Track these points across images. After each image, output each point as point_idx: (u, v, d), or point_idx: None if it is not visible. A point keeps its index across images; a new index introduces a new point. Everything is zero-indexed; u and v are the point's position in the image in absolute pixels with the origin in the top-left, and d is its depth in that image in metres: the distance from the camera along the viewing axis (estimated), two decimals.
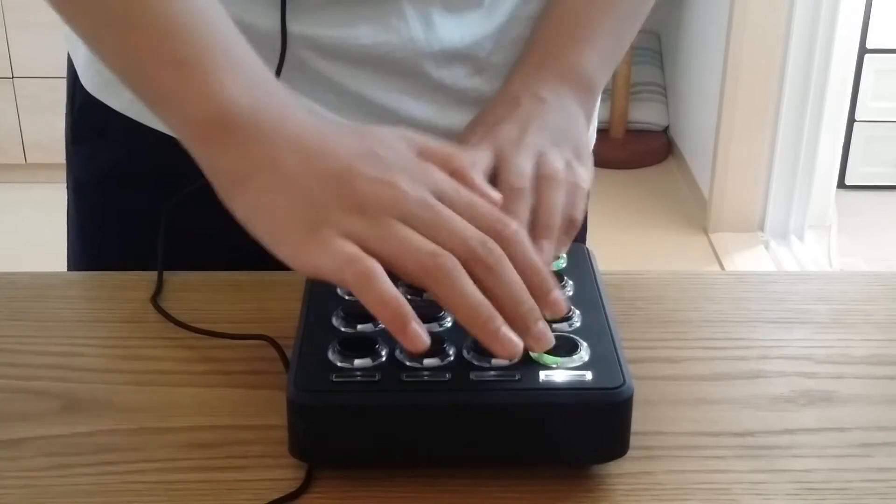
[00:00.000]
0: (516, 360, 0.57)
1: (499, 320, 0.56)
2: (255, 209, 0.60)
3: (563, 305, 0.59)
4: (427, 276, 0.56)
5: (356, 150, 0.60)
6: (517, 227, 0.59)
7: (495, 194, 0.62)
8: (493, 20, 0.79)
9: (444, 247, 0.56)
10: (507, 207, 0.63)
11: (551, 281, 0.59)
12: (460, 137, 0.73)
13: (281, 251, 0.59)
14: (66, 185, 0.90)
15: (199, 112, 0.61)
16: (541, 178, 0.67)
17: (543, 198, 0.66)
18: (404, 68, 0.77)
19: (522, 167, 0.68)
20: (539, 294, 0.58)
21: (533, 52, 0.79)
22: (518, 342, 0.56)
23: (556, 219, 0.66)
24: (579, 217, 0.68)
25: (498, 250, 0.57)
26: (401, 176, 0.58)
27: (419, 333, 0.55)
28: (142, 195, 0.82)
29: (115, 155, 0.84)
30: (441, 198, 0.59)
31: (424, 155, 0.62)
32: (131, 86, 0.65)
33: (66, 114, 0.88)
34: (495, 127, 0.72)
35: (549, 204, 0.66)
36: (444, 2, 0.77)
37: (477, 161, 0.66)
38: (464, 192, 0.60)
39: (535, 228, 0.65)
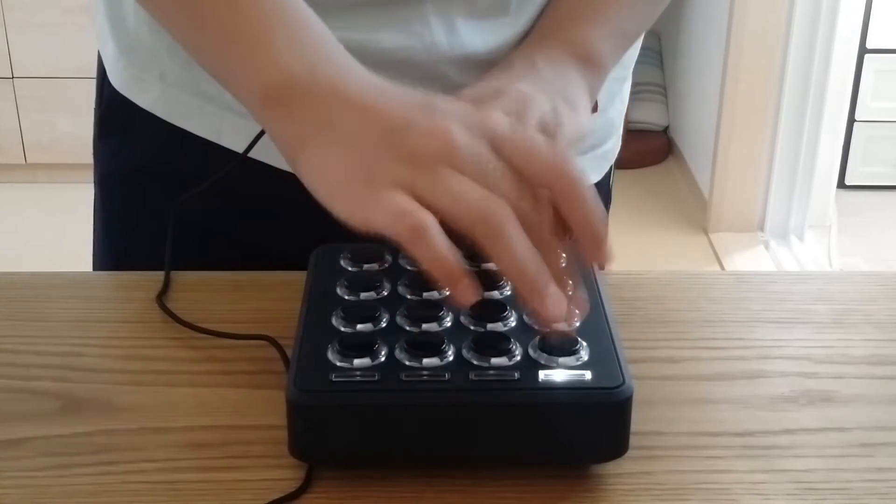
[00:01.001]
0: (566, 325, 0.56)
1: (547, 277, 0.54)
2: (314, 170, 0.60)
3: (612, 258, 0.57)
4: (477, 226, 0.54)
5: (411, 103, 0.59)
6: (579, 173, 0.56)
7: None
8: (517, 27, 0.78)
9: (478, 193, 0.54)
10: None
11: (605, 232, 0.56)
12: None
13: (336, 208, 0.58)
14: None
15: (259, 82, 0.62)
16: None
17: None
18: (425, 73, 0.77)
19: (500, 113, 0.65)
20: (591, 245, 0.56)
21: (538, 28, 0.78)
22: (565, 303, 0.54)
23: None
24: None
25: (541, 213, 0.55)
26: (455, 125, 0.57)
27: (471, 287, 0.54)
28: (165, 191, 0.83)
29: (139, 150, 0.85)
30: (500, 145, 0.57)
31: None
32: (198, 60, 0.68)
33: (95, 109, 0.89)
34: (482, 84, 0.70)
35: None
36: (469, 8, 0.76)
37: None
38: (522, 138, 0.58)
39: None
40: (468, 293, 0.54)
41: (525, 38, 0.78)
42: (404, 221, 0.54)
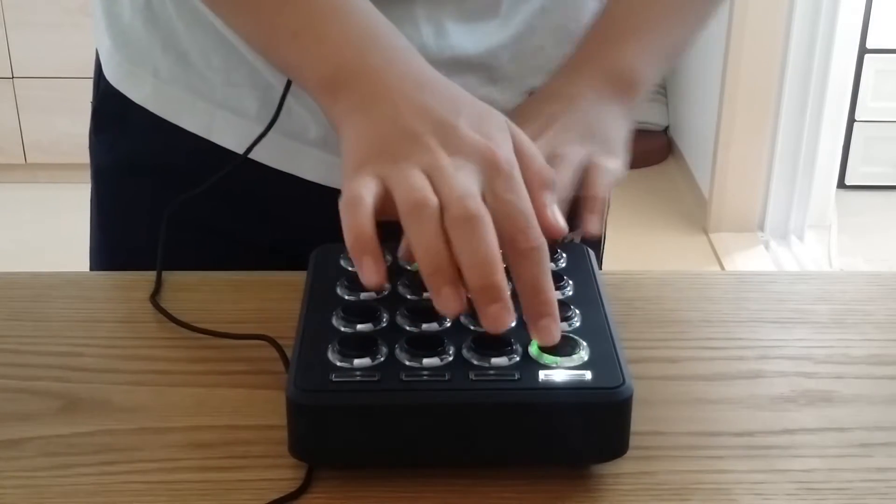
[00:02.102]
0: (448, 322, 0.58)
1: (447, 276, 0.55)
2: (342, 148, 0.62)
3: (552, 337, 0.57)
4: (405, 212, 0.56)
5: (432, 116, 0.60)
6: (541, 244, 0.57)
7: (560, 224, 0.60)
8: (508, 29, 0.79)
9: (421, 193, 0.56)
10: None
11: (549, 305, 0.57)
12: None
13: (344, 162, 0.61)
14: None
15: (319, 74, 0.65)
16: (548, 158, 0.67)
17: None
18: None
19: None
20: (531, 316, 0.57)
21: (581, 49, 0.78)
22: (457, 303, 0.55)
23: (549, 173, 0.63)
24: (602, 194, 0.68)
25: (482, 217, 0.55)
26: (452, 154, 0.58)
27: (371, 268, 0.55)
28: (159, 185, 0.83)
29: (133, 145, 0.86)
30: (490, 184, 0.58)
31: (517, 149, 0.61)
32: (264, 58, 0.71)
33: (91, 103, 0.90)
34: (523, 123, 0.70)
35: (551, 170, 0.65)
36: (458, 10, 0.77)
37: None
38: (511, 186, 0.58)
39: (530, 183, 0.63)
40: (368, 273, 0.55)
41: (540, 48, 0.79)
42: (347, 191, 0.57)
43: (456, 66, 0.77)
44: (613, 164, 0.71)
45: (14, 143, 3.13)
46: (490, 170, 0.58)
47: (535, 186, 0.60)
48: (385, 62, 0.64)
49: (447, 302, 0.55)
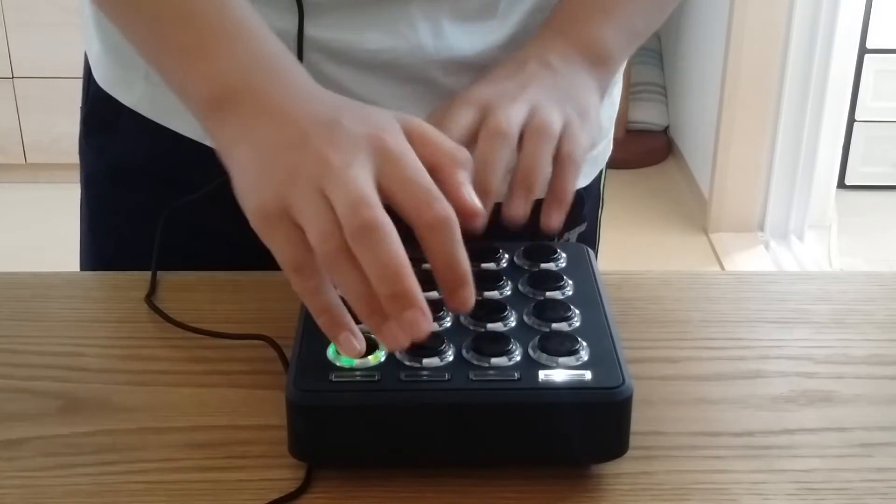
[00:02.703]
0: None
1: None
2: (234, 172, 0.61)
3: (468, 305, 0.56)
4: (321, 257, 0.56)
5: (316, 118, 0.60)
6: (448, 214, 0.56)
7: (476, 203, 0.59)
8: (504, 30, 0.78)
9: (321, 228, 0.55)
10: (482, 153, 0.62)
11: (464, 276, 0.56)
12: (457, 93, 0.71)
13: (246, 212, 0.59)
14: (78, 180, 0.91)
15: (200, 93, 0.64)
16: (528, 129, 0.65)
17: (526, 148, 0.65)
18: (411, 75, 0.77)
19: (510, 114, 0.66)
20: (447, 287, 0.56)
21: (550, 21, 0.77)
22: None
23: (536, 174, 0.64)
24: (569, 187, 0.66)
25: (372, 233, 0.54)
26: (341, 149, 0.57)
27: (351, 341, 0.57)
28: (150, 191, 0.83)
29: (125, 149, 0.85)
30: (385, 170, 0.57)
31: (415, 136, 0.60)
32: (157, 73, 0.69)
33: (81, 108, 0.89)
34: (497, 80, 0.70)
35: (531, 156, 0.64)
36: (455, 10, 0.76)
37: (458, 120, 0.65)
38: (405, 166, 0.57)
39: (512, 182, 0.63)
40: (350, 348, 0.57)
41: (530, 35, 0.78)
42: (292, 278, 0.57)
43: (452, 66, 0.77)
44: (585, 140, 0.69)
45: (14, 143, 3.12)
46: (380, 156, 0.57)
47: (446, 166, 0.59)
48: (268, 80, 0.63)
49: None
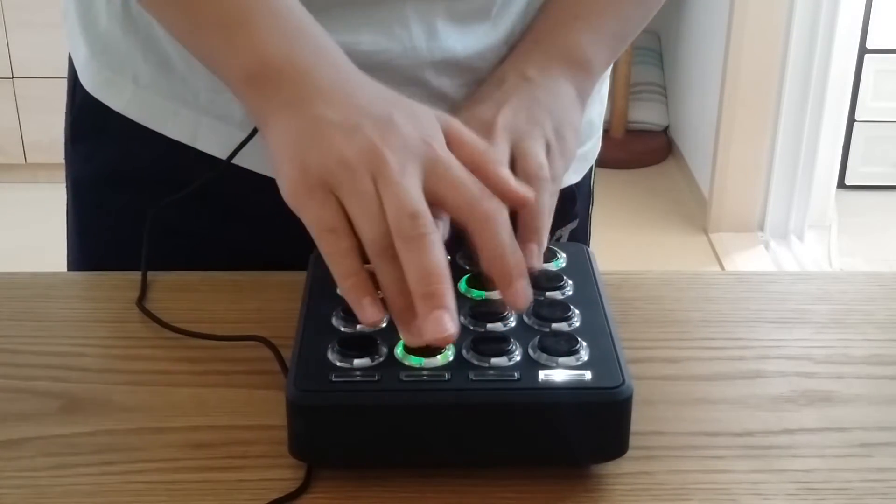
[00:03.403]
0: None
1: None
2: (271, 144, 0.63)
3: (526, 298, 0.59)
4: (373, 253, 0.58)
5: (370, 110, 0.61)
6: (499, 206, 0.59)
7: (524, 191, 0.62)
8: (497, 32, 0.78)
9: (371, 217, 0.57)
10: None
11: (519, 267, 0.59)
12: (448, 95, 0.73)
13: (280, 186, 0.61)
14: (65, 184, 0.90)
15: (241, 67, 0.65)
16: (523, 175, 0.67)
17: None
18: (404, 76, 0.76)
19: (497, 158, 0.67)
20: (502, 281, 0.58)
21: (529, 32, 0.78)
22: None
23: (543, 220, 0.66)
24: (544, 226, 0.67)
25: (421, 241, 0.56)
26: (392, 143, 0.59)
27: (371, 307, 0.57)
28: (140, 195, 0.82)
29: (113, 155, 0.84)
30: (433, 171, 0.59)
31: (452, 139, 0.62)
32: (190, 48, 0.70)
33: (66, 113, 0.88)
34: (474, 105, 0.72)
35: (537, 205, 0.66)
36: (450, 12, 0.76)
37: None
38: (454, 167, 0.60)
39: (520, 230, 0.64)
40: (373, 313, 0.57)
41: (515, 42, 0.78)
42: (324, 239, 0.58)
43: (445, 67, 0.77)
44: (561, 167, 0.71)
45: (14, 143, 3.12)
46: (429, 162, 0.60)
47: (485, 164, 0.62)
48: (313, 62, 0.64)
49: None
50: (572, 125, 0.74)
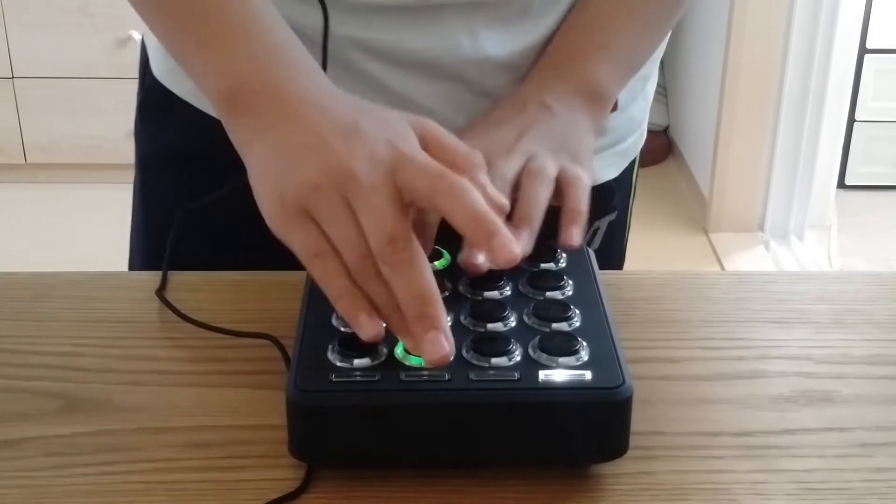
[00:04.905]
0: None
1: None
2: (251, 171, 0.63)
3: (512, 252, 0.57)
4: (355, 270, 0.58)
5: (335, 122, 0.61)
6: (463, 181, 0.58)
7: (501, 199, 0.62)
8: (538, 31, 0.80)
9: (349, 242, 0.57)
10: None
11: (494, 225, 0.57)
12: (458, 132, 0.73)
13: (263, 212, 0.62)
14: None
15: (218, 87, 0.66)
16: (524, 174, 0.68)
17: (524, 190, 0.67)
18: (449, 73, 0.78)
19: (505, 170, 0.68)
20: (480, 242, 0.57)
21: (549, 58, 0.79)
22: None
23: (536, 210, 0.66)
24: (583, 208, 0.69)
25: (403, 265, 0.57)
26: (360, 156, 0.59)
27: (368, 322, 0.58)
28: (202, 173, 0.84)
29: (176, 134, 0.87)
30: (402, 169, 0.58)
31: (432, 142, 0.62)
32: (180, 66, 0.71)
33: (137, 93, 0.92)
34: (494, 127, 0.73)
35: (529, 195, 0.67)
36: (490, 17, 0.78)
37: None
38: (422, 162, 0.59)
39: (514, 219, 0.65)
40: (370, 329, 0.57)
41: (536, 68, 0.79)
42: (312, 264, 0.59)
43: (488, 66, 0.79)
44: (586, 178, 0.72)
45: (14, 143, 3.12)
46: (397, 161, 0.59)
47: (466, 169, 0.61)
48: (285, 78, 0.64)
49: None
50: (587, 152, 0.75)
